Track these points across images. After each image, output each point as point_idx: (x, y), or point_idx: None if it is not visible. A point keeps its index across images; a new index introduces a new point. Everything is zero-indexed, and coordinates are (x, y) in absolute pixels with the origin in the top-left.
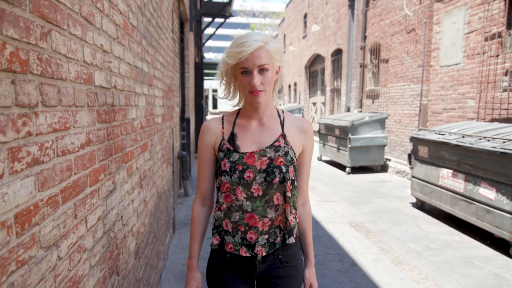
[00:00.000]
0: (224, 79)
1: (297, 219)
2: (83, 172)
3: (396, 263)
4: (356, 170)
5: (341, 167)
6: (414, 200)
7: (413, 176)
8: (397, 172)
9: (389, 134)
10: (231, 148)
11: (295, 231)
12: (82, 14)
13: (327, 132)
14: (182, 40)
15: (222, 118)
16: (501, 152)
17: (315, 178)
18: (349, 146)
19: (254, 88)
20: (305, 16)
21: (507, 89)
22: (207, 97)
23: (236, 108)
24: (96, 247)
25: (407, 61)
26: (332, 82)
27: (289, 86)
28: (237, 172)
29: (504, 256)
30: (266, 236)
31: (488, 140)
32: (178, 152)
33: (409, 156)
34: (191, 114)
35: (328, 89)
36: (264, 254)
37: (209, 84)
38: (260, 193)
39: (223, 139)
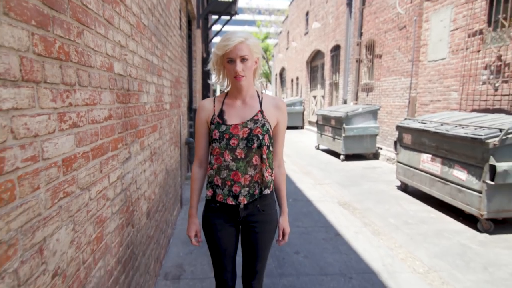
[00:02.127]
0: (215, 67)
1: (272, 177)
2: (106, 139)
3: (375, 234)
4: (350, 157)
5: (336, 155)
6: (399, 184)
7: (398, 161)
8: (387, 159)
9: (381, 125)
10: (220, 121)
11: (270, 185)
12: (105, 17)
13: (324, 122)
14: (189, 36)
15: (214, 100)
16: (471, 138)
17: (311, 164)
18: (343, 135)
19: (237, 73)
20: (307, 13)
21: (486, 82)
22: (214, 90)
23: (225, 91)
24: (116, 199)
25: (399, 56)
26: (331, 76)
27: (292, 80)
28: (225, 139)
29: (473, 230)
30: (247, 189)
31: (462, 127)
32: (186, 138)
33: (395, 143)
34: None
35: (327, 83)
36: (245, 202)
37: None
38: (243, 156)
39: (214, 114)
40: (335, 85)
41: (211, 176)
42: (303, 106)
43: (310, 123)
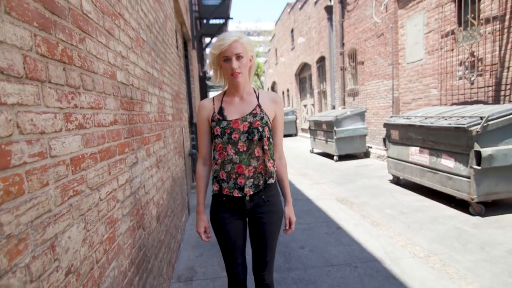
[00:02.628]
0: (212, 67)
1: (275, 167)
2: (113, 142)
3: (374, 225)
4: (342, 158)
5: (330, 156)
6: (391, 178)
7: (388, 157)
8: (378, 157)
9: (369, 125)
10: (220, 118)
11: (274, 175)
12: (105, 28)
13: (316, 127)
14: (186, 56)
15: (213, 99)
16: (455, 127)
17: (307, 167)
18: (335, 137)
19: (234, 71)
20: (292, 30)
21: (462, 77)
22: None
23: (222, 91)
24: (126, 202)
25: (379, 61)
26: (318, 85)
27: (283, 92)
28: (226, 134)
29: (465, 214)
30: (252, 180)
31: (446, 119)
32: (189, 150)
33: (384, 140)
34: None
35: (315, 91)
36: (251, 193)
37: (213, 95)
38: (245, 149)
39: (214, 112)
40: (323, 93)
41: (216, 171)
42: (295, 115)
43: (303, 130)
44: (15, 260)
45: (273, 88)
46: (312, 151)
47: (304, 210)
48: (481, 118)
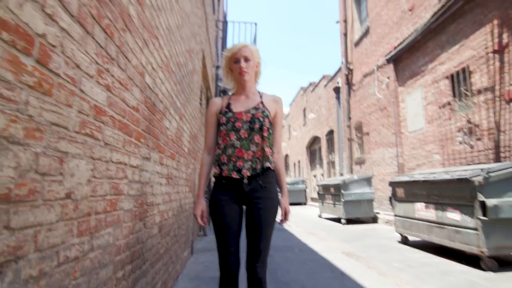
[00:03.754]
0: (224, 70)
1: (273, 157)
2: (131, 125)
3: (381, 275)
4: (350, 221)
5: (338, 220)
6: (399, 238)
7: (395, 215)
8: (386, 222)
9: (376, 191)
10: (227, 110)
11: (271, 161)
12: (143, 36)
13: (324, 192)
14: None
15: (222, 98)
16: (458, 179)
17: (315, 227)
18: (342, 200)
19: (241, 69)
20: (304, 109)
21: (462, 142)
22: None
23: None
24: (133, 185)
25: (383, 132)
26: (327, 156)
27: (294, 164)
28: (230, 123)
29: (477, 270)
30: (250, 163)
31: (447, 174)
32: None
33: (390, 198)
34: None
35: (325, 162)
36: (248, 175)
37: None
38: (246, 135)
39: (222, 107)
40: (332, 163)
41: (218, 155)
42: (305, 184)
43: (312, 199)
44: (29, 140)
45: (285, 161)
46: (320, 216)
47: (309, 259)
48: (482, 170)
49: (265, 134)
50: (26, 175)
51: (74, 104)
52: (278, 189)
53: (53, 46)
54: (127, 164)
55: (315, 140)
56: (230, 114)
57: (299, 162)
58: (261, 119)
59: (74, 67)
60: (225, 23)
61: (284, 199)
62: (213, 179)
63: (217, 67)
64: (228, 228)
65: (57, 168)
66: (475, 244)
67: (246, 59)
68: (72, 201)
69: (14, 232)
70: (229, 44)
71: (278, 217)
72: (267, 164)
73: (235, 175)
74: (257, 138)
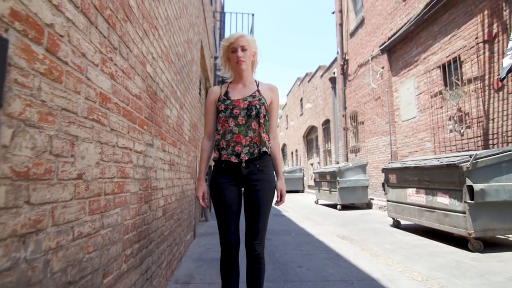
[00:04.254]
0: (222, 59)
1: (269, 142)
2: (135, 112)
3: (373, 256)
4: (345, 207)
5: (334, 206)
6: (392, 222)
7: (388, 200)
8: (380, 207)
9: (370, 178)
10: (226, 98)
11: (267, 146)
12: (143, 27)
13: (320, 179)
14: None
15: (221, 86)
16: (447, 165)
17: (311, 213)
18: (338, 187)
19: (239, 58)
20: (301, 99)
21: (453, 130)
22: None
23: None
24: (138, 169)
25: (378, 121)
26: (324, 145)
27: (292, 153)
28: (229, 109)
29: (465, 251)
30: (248, 148)
31: (438, 160)
32: None
33: (383, 184)
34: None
35: (321, 150)
36: (246, 159)
37: None
38: (243, 122)
39: (220, 94)
40: (328, 152)
41: (218, 141)
42: (303, 172)
43: (309, 187)
44: (43, 123)
45: (283, 150)
46: (316, 202)
47: (305, 241)
48: (470, 156)
49: (262, 121)
50: (42, 156)
51: (81, 91)
52: (274, 173)
53: (61, 35)
54: (132, 150)
55: (312, 129)
56: (228, 102)
57: (296, 151)
58: (258, 106)
59: (80, 55)
60: (222, 13)
61: (280, 181)
62: (212, 163)
63: (215, 58)
64: (228, 208)
65: (69, 150)
66: (463, 226)
67: (243, 49)
68: (84, 182)
69: (34, 207)
70: (226, 35)
71: (275, 199)
72: (264, 149)
73: (233, 159)
74: (254, 124)
